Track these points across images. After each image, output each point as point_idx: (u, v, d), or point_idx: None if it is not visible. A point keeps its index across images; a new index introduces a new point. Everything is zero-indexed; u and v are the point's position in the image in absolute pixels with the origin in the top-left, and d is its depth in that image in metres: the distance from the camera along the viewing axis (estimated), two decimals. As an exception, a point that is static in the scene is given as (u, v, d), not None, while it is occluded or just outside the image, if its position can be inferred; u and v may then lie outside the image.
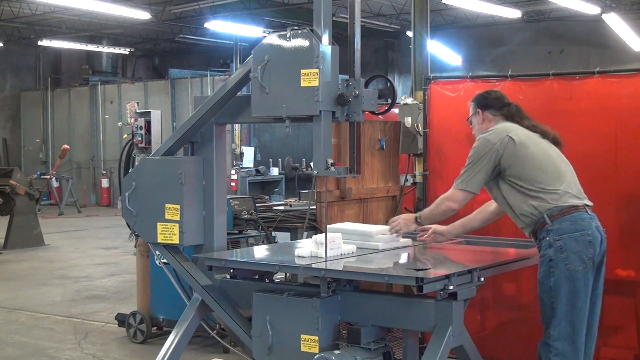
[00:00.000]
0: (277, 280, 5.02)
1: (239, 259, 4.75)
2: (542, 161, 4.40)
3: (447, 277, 3.95)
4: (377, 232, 4.84)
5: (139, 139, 7.53)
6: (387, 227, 5.00)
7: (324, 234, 4.43)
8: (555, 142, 4.59)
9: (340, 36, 4.31)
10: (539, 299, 4.36)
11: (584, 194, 4.46)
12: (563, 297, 4.25)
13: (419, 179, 6.36)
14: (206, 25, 20.20)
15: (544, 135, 4.57)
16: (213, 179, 4.74)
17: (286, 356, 4.23)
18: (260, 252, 5.33)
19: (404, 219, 4.77)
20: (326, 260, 4.33)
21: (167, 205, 4.67)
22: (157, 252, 4.88)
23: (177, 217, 4.64)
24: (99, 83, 24.02)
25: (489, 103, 4.72)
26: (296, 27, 4.17)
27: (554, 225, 4.28)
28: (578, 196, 4.38)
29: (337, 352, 4.05)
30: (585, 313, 4.30)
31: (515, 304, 6.02)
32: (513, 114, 4.64)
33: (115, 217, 17.94)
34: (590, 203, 4.42)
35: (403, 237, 5.04)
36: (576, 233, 4.27)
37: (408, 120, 6.34)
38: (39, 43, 23.49)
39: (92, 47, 24.60)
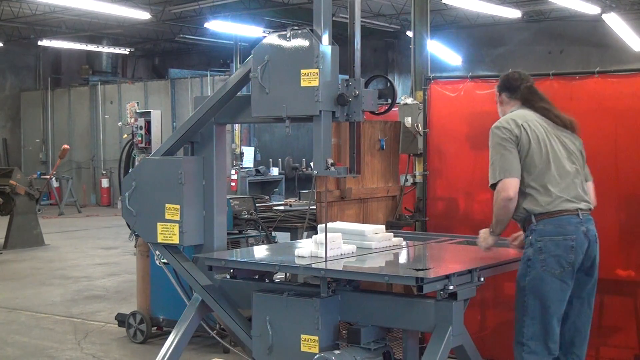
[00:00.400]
0: (277, 280, 5.02)
1: (239, 259, 4.75)
2: (546, 158, 4.33)
3: (447, 277, 3.95)
4: (370, 232, 4.83)
5: (139, 139, 7.54)
6: (380, 227, 5.00)
7: (323, 234, 4.43)
8: (571, 128, 4.48)
9: (340, 36, 4.31)
10: (515, 295, 4.37)
11: (584, 196, 4.38)
12: (537, 298, 4.24)
13: (419, 179, 6.36)
14: (206, 25, 20.20)
15: (556, 120, 4.45)
16: (213, 179, 4.74)
17: (286, 356, 4.24)
18: (260, 252, 5.34)
19: (482, 233, 4.61)
20: (326, 260, 4.33)
21: (167, 205, 4.67)
22: (157, 252, 4.88)
23: (177, 217, 4.64)
24: (99, 83, 24.02)
25: (506, 84, 4.62)
26: (296, 27, 4.18)
27: (538, 226, 4.27)
28: (573, 200, 4.30)
29: (337, 352, 4.05)
30: (559, 316, 4.26)
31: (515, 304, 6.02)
32: (526, 98, 4.52)
33: (115, 217, 17.94)
34: (585, 207, 4.34)
35: (395, 236, 5.05)
36: (558, 237, 4.22)
37: (408, 120, 6.34)
38: (39, 43, 23.49)
39: (92, 47, 24.60)
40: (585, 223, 4.29)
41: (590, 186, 4.55)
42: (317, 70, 4.05)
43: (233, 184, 16.69)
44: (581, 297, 4.37)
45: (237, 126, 17.93)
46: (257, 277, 4.72)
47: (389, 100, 4.56)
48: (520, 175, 4.31)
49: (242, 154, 18.59)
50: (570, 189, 4.33)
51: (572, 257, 4.22)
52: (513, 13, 19.49)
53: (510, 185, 4.28)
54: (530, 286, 4.26)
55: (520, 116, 4.43)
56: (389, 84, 4.61)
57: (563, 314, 4.31)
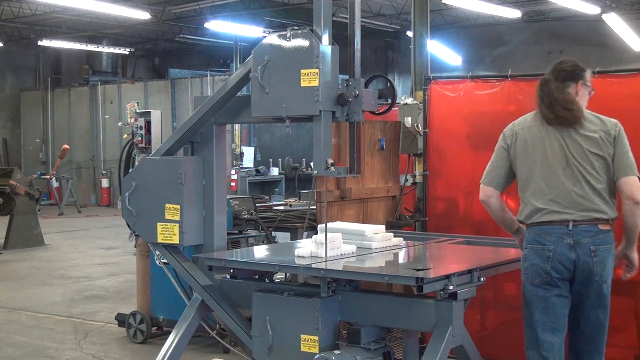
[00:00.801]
0: (277, 280, 5.02)
1: (239, 259, 4.75)
2: (531, 168, 4.24)
3: (447, 277, 3.95)
4: (370, 232, 4.83)
5: (139, 139, 7.54)
6: (380, 227, 5.00)
7: (323, 234, 4.43)
8: (570, 123, 4.21)
9: (340, 36, 4.31)
10: None
11: (585, 204, 4.13)
12: (525, 306, 4.26)
13: (419, 179, 6.36)
14: (206, 25, 20.20)
15: (551, 121, 4.22)
16: (213, 179, 4.74)
17: (286, 356, 4.23)
18: (260, 252, 5.34)
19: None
20: (326, 260, 4.33)
21: (167, 205, 4.67)
22: (157, 252, 4.88)
23: (177, 217, 4.64)
24: (99, 83, 24.02)
25: None
26: (296, 27, 4.17)
27: (525, 233, 4.28)
28: (562, 211, 4.13)
29: (337, 352, 4.05)
30: (551, 325, 4.19)
31: (515, 304, 6.00)
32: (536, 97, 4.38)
33: (115, 217, 17.94)
34: (583, 217, 4.12)
35: (396, 236, 5.05)
36: (537, 246, 4.17)
37: (408, 120, 6.34)
38: (39, 43, 23.49)
39: (92, 47, 24.61)
40: (576, 235, 4.10)
41: (624, 182, 4.15)
42: (317, 70, 4.04)
43: (233, 184, 16.70)
44: (583, 308, 4.25)
45: (237, 126, 17.94)
46: (257, 277, 4.72)
47: (389, 100, 4.56)
48: (497, 186, 4.37)
49: (242, 154, 18.60)
50: (562, 198, 4.15)
51: (547, 267, 4.13)
52: (513, 13, 19.49)
53: (482, 191, 4.41)
54: (523, 295, 4.29)
55: (522, 120, 4.38)
56: (389, 84, 4.60)
57: (574, 322, 4.23)
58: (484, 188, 4.40)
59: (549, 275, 4.15)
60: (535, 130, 4.28)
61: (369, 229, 4.88)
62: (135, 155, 7.45)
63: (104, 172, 23.03)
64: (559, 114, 4.22)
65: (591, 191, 4.16)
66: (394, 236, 5.03)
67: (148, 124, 7.62)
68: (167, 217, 4.68)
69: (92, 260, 12.33)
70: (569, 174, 4.19)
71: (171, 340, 4.64)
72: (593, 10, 18.38)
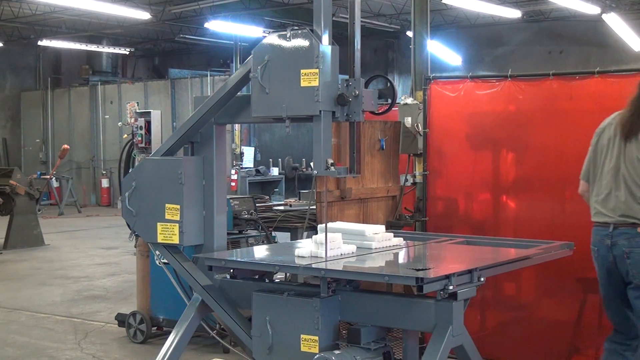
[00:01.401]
0: (277, 280, 5.02)
1: (239, 259, 4.74)
2: (599, 167, 4.40)
3: (447, 277, 3.95)
4: (370, 232, 4.83)
5: (139, 139, 7.55)
6: (380, 227, 5.00)
7: (323, 234, 4.43)
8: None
9: (340, 36, 4.31)
10: None
11: (624, 210, 4.24)
12: None
13: (419, 179, 6.36)
14: (206, 25, 20.20)
15: (624, 122, 4.30)
16: (213, 179, 4.74)
17: (286, 356, 4.23)
18: (260, 252, 5.33)
19: None
20: (326, 260, 4.32)
21: (167, 205, 4.67)
22: (157, 252, 4.88)
23: (177, 217, 4.64)
24: (99, 83, 24.02)
25: None
26: (296, 27, 4.17)
27: None
28: (607, 214, 4.31)
29: (337, 352, 4.05)
30: (611, 312, 4.49)
31: (515, 304, 6.02)
32: None
33: (115, 217, 17.94)
34: (622, 221, 4.25)
35: (395, 236, 5.05)
36: (591, 245, 4.44)
37: (408, 120, 6.34)
38: (39, 43, 23.49)
39: (92, 47, 24.61)
40: (615, 237, 4.26)
41: None
42: (317, 70, 4.04)
43: (233, 184, 16.70)
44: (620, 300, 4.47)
45: (237, 126, 17.93)
46: (257, 277, 4.72)
47: (389, 100, 4.56)
48: (586, 179, 4.54)
49: (242, 154, 18.60)
50: (608, 201, 4.32)
51: (596, 265, 4.42)
52: (513, 13, 19.49)
53: (580, 184, 4.60)
54: None
55: (611, 118, 4.47)
56: (389, 84, 4.61)
57: None
58: (581, 182, 4.58)
59: (600, 270, 4.41)
60: (612, 128, 4.39)
61: (369, 229, 4.88)
62: (135, 155, 7.45)
63: (104, 172, 23.03)
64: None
65: (632, 199, 4.22)
66: (394, 236, 5.03)
67: (148, 124, 7.62)
68: (167, 217, 4.68)
69: (92, 260, 12.33)
70: (617, 179, 4.30)
71: (171, 340, 4.64)
72: (593, 10, 18.38)
